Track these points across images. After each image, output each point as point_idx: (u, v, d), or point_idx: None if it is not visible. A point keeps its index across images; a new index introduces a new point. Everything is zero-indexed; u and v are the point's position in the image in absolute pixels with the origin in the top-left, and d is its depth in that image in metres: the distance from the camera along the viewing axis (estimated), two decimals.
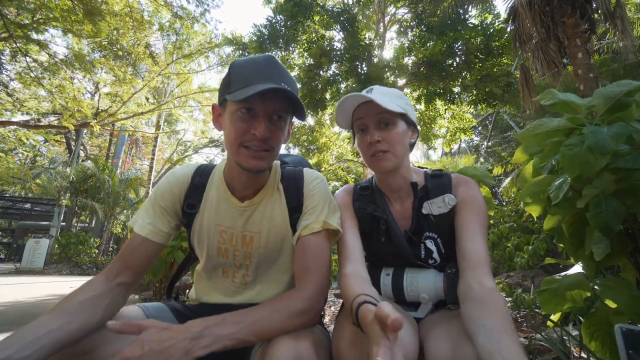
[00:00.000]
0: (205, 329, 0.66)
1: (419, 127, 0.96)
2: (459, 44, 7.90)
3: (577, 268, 1.27)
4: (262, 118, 0.81)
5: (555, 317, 1.34)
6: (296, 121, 1.15)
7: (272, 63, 0.84)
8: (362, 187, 1.04)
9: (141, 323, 0.65)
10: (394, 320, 0.49)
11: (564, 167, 0.97)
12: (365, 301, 0.65)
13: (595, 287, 1.10)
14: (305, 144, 12.09)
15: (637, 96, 0.99)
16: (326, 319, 2.92)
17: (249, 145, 0.81)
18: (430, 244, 0.92)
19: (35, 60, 8.28)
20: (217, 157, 21.76)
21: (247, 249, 0.94)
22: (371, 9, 11.24)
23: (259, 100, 0.79)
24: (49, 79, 8.75)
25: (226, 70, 0.89)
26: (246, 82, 0.79)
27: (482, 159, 12.93)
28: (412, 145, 0.97)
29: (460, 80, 8.31)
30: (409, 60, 8.96)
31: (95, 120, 9.99)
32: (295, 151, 12.33)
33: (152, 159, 16.41)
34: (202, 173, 0.97)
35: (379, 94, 0.90)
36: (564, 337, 1.56)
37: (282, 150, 1.00)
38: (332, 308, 3.50)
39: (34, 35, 7.61)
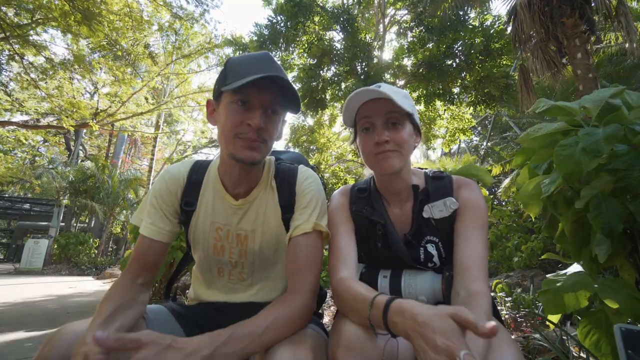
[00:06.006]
0: (216, 349, 0.62)
1: (422, 129, 0.94)
2: (459, 45, 7.91)
3: (576, 267, 1.27)
4: (257, 109, 0.81)
5: (555, 317, 1.34)
6: (296, 121, 1.14)
7: (267, 58, 0.85)
8: (360, 189, 1.00)
9: (139, 338, 0.57)
10: (494, 328, 0.48)
11: (556, 167, 0.97)
12: (393, 298, 0.64)
13: (595, 286, 1.09)
14: (305, 145, 12.07)
15: (624, 97, 1.00)
16: (326, 319, 2.91)
17: (244, 136, 0.81)
18: (431, 248, 0.91)
19: (31, 64, 8.25)
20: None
21: (242, 247, 0.93)
22: (371, 11, 11.24)
23: (254, 91, 0.80)
24: (46, 81, 8.72)
25: None
26: (242, 75, 0.79)
27: (481, 160, 12.94)
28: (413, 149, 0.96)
29: (459, 81, 8.32)
30: (408, 61, 8.96)
31: (94, 120, 9.97)
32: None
33: (152, 159, 16.43)
34: (199, 170, 0.96)
35: (389, 91, 0.86)
36: (563, 337, 1.56)
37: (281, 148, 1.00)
38: (332, 308, 3.50)
39: (33, 37, 7.59)
